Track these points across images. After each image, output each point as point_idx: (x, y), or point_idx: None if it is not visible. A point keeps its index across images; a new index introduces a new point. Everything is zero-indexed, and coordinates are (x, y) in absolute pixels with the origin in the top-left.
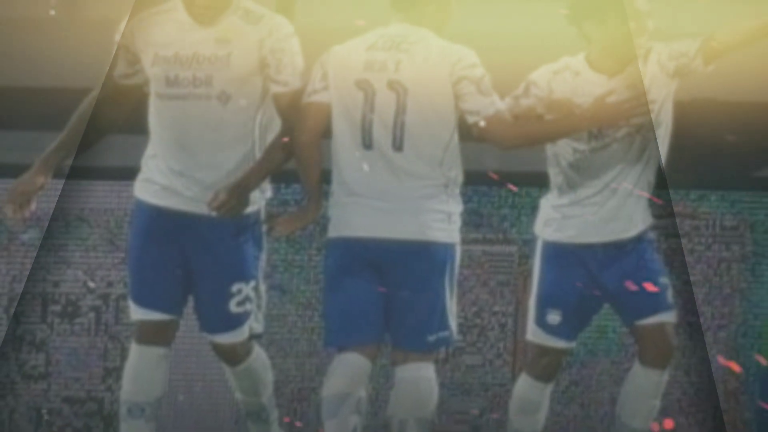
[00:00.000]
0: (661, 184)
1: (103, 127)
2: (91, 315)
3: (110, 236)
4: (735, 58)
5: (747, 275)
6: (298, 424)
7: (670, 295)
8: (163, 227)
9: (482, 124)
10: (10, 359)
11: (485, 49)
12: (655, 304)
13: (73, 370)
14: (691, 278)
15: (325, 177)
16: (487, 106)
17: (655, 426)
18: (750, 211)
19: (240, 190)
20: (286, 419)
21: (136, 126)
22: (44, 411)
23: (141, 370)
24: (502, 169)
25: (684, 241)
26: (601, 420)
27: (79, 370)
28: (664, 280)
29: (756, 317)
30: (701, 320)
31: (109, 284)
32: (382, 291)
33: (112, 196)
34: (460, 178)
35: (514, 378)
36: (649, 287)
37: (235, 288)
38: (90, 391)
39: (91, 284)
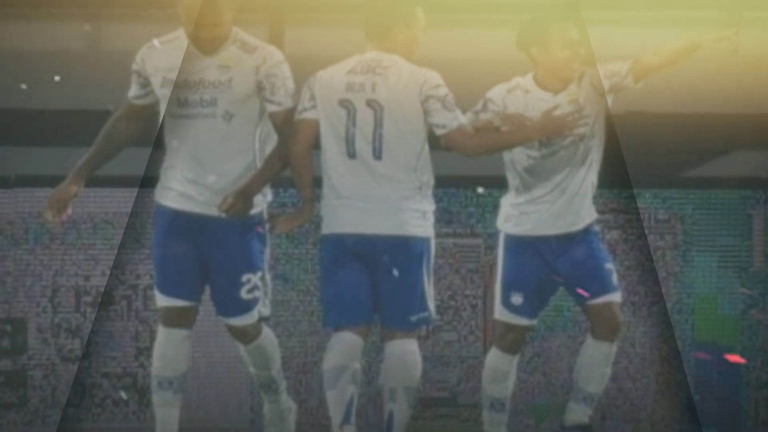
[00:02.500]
0: (603, 184)
1: (122, 142)
2: (123, 303)
3: (137, 236)
4: (661, 75)
5: (679, 261)
6: None
7: (615, 278)
8: (181, 227)
9: (448, 135)
10: (50, 344)
11: (448, 71)
12: (603, 286)
13: (110, 350)
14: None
15: (317, 182)
16: (452, 120)
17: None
18: (679, 206)
19: (245, 195)
20: None
21: (151, 140)
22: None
23: (168, 349)
24: (467, 174)
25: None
26: (561, 386)
27: (115, 350)
28: (609, 265)
29: (689, 296)
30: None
31: (138, 276)
32: (370, 279)
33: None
34: (432, 182)
35: (485, 351)
36: (597, 272)
37: (244, 278)
38: (125, 367)
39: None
